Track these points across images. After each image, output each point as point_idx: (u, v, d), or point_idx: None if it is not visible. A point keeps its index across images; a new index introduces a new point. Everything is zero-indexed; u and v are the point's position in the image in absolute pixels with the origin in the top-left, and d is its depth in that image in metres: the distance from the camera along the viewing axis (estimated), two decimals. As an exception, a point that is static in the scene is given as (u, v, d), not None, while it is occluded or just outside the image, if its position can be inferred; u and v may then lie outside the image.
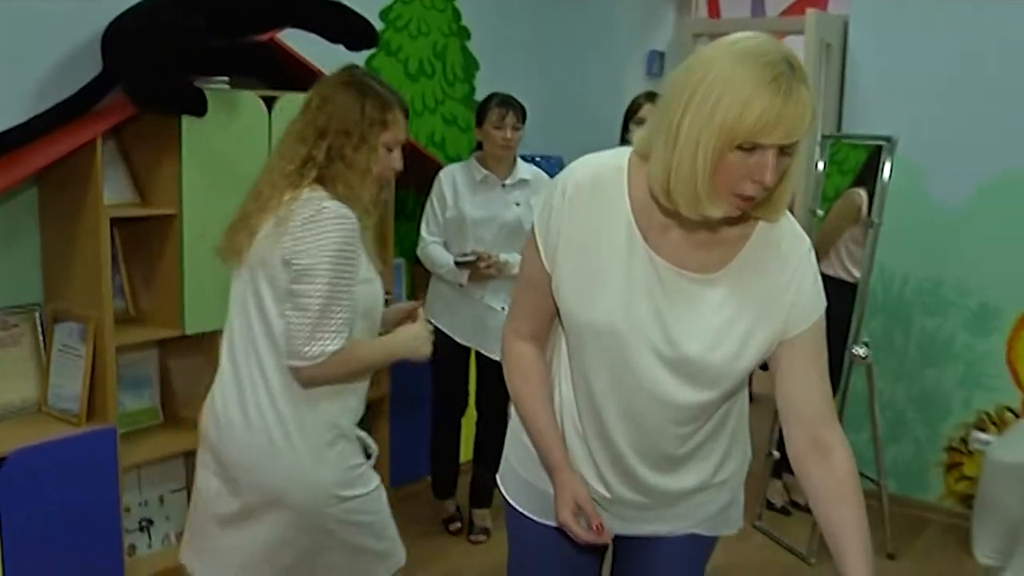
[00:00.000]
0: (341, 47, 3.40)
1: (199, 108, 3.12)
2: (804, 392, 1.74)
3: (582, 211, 1.68)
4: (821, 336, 1.73)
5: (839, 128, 4.47)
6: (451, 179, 3.87)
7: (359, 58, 4.14)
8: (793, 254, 1.69)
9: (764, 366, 1.78)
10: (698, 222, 1.60)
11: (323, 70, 3.59)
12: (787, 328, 1.70)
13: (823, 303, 1.73)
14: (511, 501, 2.01)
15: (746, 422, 1.95)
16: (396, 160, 2.28)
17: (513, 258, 3.73)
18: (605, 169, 1.70)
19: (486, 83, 4.90)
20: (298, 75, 3.49)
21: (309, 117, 2.22)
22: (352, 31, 3.41)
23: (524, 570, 2.06)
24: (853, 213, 4.05)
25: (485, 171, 3.85)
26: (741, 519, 2.02)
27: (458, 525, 4.18)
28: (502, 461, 2.05)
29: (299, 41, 3.52)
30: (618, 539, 1.98)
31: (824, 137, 4.15)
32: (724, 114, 1.44)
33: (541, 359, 1.88)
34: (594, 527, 1.76)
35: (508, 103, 3.81)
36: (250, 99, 3.40)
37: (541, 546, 1.99)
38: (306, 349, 2.07)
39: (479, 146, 3.92)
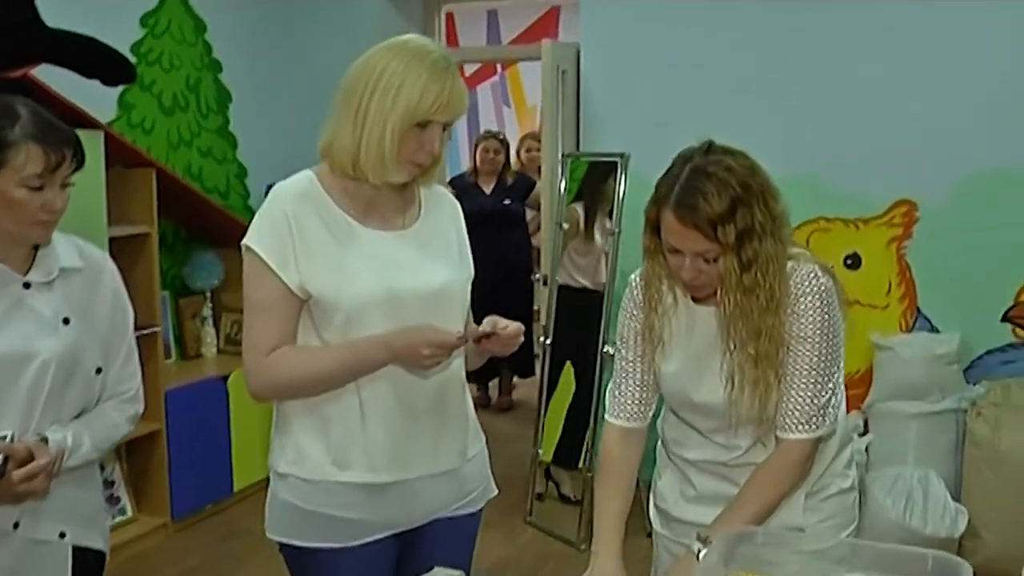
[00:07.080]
0: (97, 82, 3.45)
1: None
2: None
3: (306, 220, 1.81)
4: None
5: (577, 147, 4.85)
6: None
7: (113, 93, 4.17)
8: (447, 198, 2.04)
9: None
10: (387, 193, 1.86)
11: (81, 107, 3.62)
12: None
13: None
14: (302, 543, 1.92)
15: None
16: None
17: (57, 444, 1.83)
18: (301, 183, 1.86)
19: (239, 114, 5.02)
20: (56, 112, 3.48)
21: None
22: (108, 67, 3.47)
23: None
24: (572, 228, 4.45)
25: None
26: None
27: None
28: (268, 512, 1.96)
29: (54, 78, 3.51)
30: None
31: (564, 155, 4.52)
32: (406, 99, 1.73)
33: None
34: None
35: (46, 137, 1.91)
36: (8, 136, 3.36)
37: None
38: None
39: None
